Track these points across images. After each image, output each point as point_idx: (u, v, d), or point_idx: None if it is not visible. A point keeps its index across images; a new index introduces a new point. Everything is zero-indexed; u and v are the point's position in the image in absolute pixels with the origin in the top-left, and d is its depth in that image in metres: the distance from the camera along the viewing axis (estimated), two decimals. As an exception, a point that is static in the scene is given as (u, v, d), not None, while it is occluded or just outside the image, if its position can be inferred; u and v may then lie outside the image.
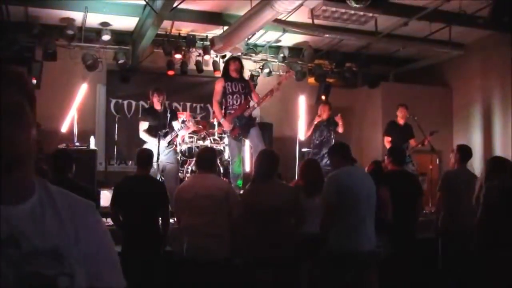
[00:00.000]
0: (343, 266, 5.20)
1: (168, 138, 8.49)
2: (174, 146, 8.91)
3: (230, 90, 8.32)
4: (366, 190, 5.33)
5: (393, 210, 6.14)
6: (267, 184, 5.17)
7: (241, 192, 6.68)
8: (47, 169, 5.72)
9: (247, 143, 8.58)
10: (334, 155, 5.75)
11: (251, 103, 8.44)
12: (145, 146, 8.30)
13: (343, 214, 5.19)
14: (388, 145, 9.92)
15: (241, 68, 8.54)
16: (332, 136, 9.86)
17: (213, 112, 10.66)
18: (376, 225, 5.37)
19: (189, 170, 9.29)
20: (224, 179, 8.98)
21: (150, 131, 8.52)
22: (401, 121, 10.25)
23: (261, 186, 5.16)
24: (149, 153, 6.10)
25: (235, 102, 8.31)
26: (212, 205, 5.21)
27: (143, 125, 8.63)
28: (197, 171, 5.59)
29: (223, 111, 8.39)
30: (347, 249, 5.15)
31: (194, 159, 6.75)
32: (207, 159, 5.57)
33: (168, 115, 8.51)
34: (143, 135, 8.61)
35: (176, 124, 8.68)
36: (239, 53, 11.30)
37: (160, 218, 5.76)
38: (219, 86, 8.37)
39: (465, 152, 7.09)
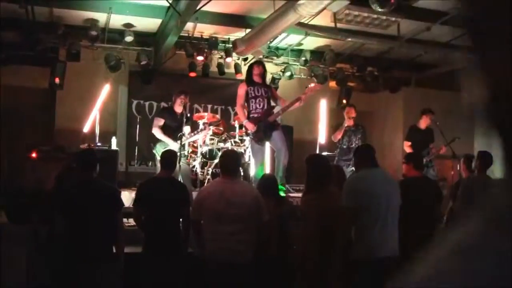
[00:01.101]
0: (359, 272, 5.10)
1: (184, 139, 8.56)
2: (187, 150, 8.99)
3: (253, 95, 8.34)
4: (385, 194, 5.19)
5: (411, 216, 6.05)
6: (325, 191, 5.16)
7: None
8: (76, 167, 5.77)
9: (267, 146, 8.57)
10: (356, 157, 5.81)
11: (276, 109, 8.45)
12: (157, 146, 8.42)
13: (362, 221, 5.11)
14: (408, 150, 9.88)
15: (264, 73, 8.57)
16: (359, 143, 9.79)
17: (234, 115, 10.70)
18: None
19: (210, 172, 9.31)
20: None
21: (164, 130, 8.61)
22: (423, 126, 10.18)
23: (323, 194, 5.13)
24: (174, 155, 6.13)
25: (258, 106, 8.34)
26: (245, 212, 5.15)
27: (159, 122, 8.72)
28: (223, 175, 5.49)
29: (246, 114, 8.42)
30: (368, 256, 5.06)
31: (219, 162, 6.69)
32: (234, 163, 5.51)
33: (184, 119, 8.60)
34: (155, 131, 8.70)
35: (186, 129, 8.76)
36: (261, 56, 11.30)
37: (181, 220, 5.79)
38: (241, 91, 8.41)
39: (486, 159, 7.01)
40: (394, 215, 5.22)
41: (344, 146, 9.90)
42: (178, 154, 8.50)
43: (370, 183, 5.25)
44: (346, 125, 9.90)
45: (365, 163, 5.42)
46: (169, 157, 6.01)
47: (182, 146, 8.68)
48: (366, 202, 5.07)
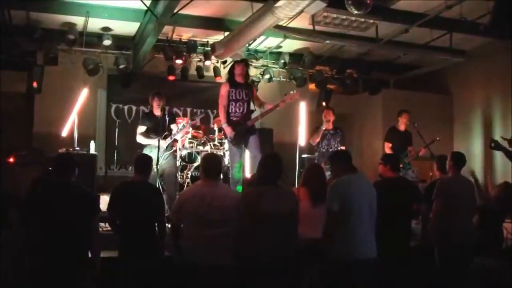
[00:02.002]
0: (342, 274, 5.18)
1: (168, 140, 8.52)
2: (173, 150, 8.92)
3: (234, 97, 8.27)
4: (367, 199, 5.36)
5: (389, 217, 6.14)
6: (270, 188, 5.13)
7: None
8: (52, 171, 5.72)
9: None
10: (335, 163, 5.77)
11: (254, 114, 8.42)
12: (145, 151, 8.34)
13: (344, 222, 5.19)
14: (388, 151, 9.94)
15: (246, 72, 8.46)
16: (338, 146, 9.79)
17: (214, 118, 10.67)
18: None
19: (189, 176, 9.27)
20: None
21: (148, 135, 8.57)
22: (402, 127, 10.24)
23: (265, 190, 5.10)
24: (147, 159, 6.08)
25: (237, 110, 8.27)
26: (226, 216, 5.11)
27: (141, 129, 8.68)
28: (204, 179, 5.45)
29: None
30: (347, 256, 5.17)
31: (200, 165, 6.65)
32: (215, 166, 5.49)
33: (167, 118, 8.54)
34: (139, 138, 8.67)
35: (174, 127, 8.71)
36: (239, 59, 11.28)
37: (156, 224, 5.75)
38: (224, 91, 8.32)
39: (459, 159, 7.05)
40: (373, 218, 5.39)
41: (323, 150, 9.84)
42: (168, 154, 8.57)
43: (354, 187, 5.37)
44: (324, 128, 9.86)
45: (347, 168, 5.51)
46: (144, 161, 5.97)
47: (169, 146, 8.69)
48: (350, 205, 5.20)
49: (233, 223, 5.08)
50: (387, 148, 10.13)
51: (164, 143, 8.46)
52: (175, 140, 8.93)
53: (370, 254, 5.27)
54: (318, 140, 9.87)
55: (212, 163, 5.53)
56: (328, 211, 5.27)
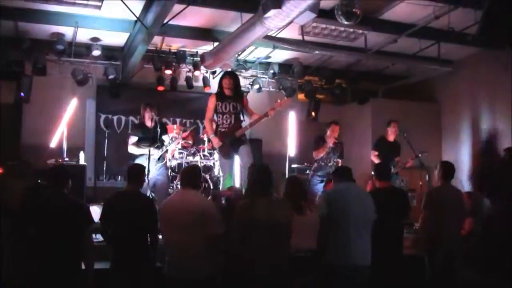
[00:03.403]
0: (334, 280, 5.29)
1: (160, 151, 8.53)
2: (164, 160, 8.91)
3: (220, 110, 8.25)
4: (361, 207, 5.52)
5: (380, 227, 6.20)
6: (264, 199, 5.13)
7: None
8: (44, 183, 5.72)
9: (237, 158, 8.52)
10: (336, 175, 6.07)
11: (243, 124, 8.40)
12: (137, 161, 8.30)
13: (335, 229, 5.35)
14: (375, 159, 9.98)
15: (234, 85, 8.32)
16: (336, 159, 9.79)
17: (203, 128, 10.65)
18: None
19: (178, 186, 9.25)
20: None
21: (139, 145, 8.57)
22: (391, 138, 10.29)
23: (258, 201, 5.10)
24: (140, 168, 6.05)
25: (224, 122, 8.25)
26: (190, 221, 5.11)
27: (132, 139, 8.67)
28: (181, 187, 5.57)
29: (214, 128, 8.36)
30: (339, 263, 5.30)
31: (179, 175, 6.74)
32: (189, 175, 5.55)
33: (158, 129, 8.55)
34: (131, 149, 8.66)
35: (166, 138, 8.72)
36: (229, 69, 11.28)
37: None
38: (211, 104, 8.32)
39: (447, 169, 7.08)
40: (368, 227, 5.53)
41: (322, 164, 9.80)
42: (160, 165, 8.56)
43: (346, 194, 5.59)
44: (331, 144, 9.80)
45: (345, 178, 5.81)
46: (136, 171, 5.94)
47: (161, 157, 8.70)
48: (342, 213, 5.40)
49: (200, 230, 5.10)
50: (373, 156, 10.16)
51: (157, 154, 8.47)
52: (166, 151, 8.92)
53: (362, 262, 5.40)
54: (320, 155, 9.82)
55: (186, 172, 5.67)
56: (321, 218, 5.46)
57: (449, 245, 6.68)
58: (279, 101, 8.30)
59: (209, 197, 7.43)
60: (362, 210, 5.50)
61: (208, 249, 5.14)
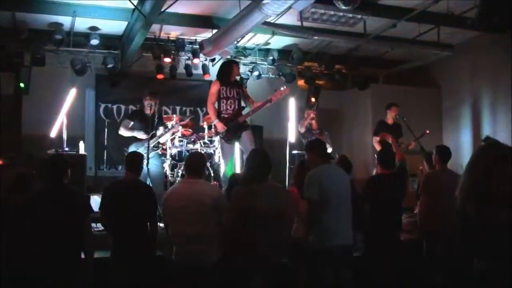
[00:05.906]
0: (322, 262, 5.34)
1: (152, 141, 8.54)
2: (160, 149, 8.94)
3: (225, 95, 8.35)
4: (344, 188, 5.57)
5: (378, 212, 6.23)
6: (262, 185, 5.12)
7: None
8: (35, 174, 5.70)
9: (237, 145, 8.54)
10: (311, 152, 5.88)
11: (245, 110, 8.46)
12: (130, 148, 8.37)
13: (325, 211, 5.34)
14: (377, 145, 9.98)
15: (239, 73, 8.57)
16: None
17: (203, 116, 10.65)
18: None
19: (179, 174, 9.25)
20: (215, 183, 8.99)
21: (132, 129, 8.61)
22: (390, 121, 10.31)
23: (257, 188, 5.10)
24: (137, 156, 6.05)
25: (228, 107, 8.36)
26: (203, 212, 5.11)
27: (126, 123, 8.75)
28: (186, 176, 5.49)
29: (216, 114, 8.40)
30: (328, 245, 5.34)
31: (183, 163, 6.68)
32: (196, 164, 5.47)
33: (156, 119, 8.58)
34: (121, 131, 8.73)
35: (161, 129, 8.75)
36: (228, 56, 11.26)
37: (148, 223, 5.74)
38: (214, 89, 8.40)
39: (443, 153, 7.07)
40: (349, 207, 5.57)
41: None
42: (153, 154, 8.57)
43: (329, 176, 5.55)
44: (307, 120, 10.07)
45: (322, 158, 5.73)
46: (134, 159, 5.94)
47: (155, 147, 8.70)
48: (327, 194, 5.36)
49: (209, 220, 5.12)
50: (375, 142, 10.16)
51: (151, 142, 8.49)
52: (159, 142, 8.94)
53: (348, 241, 5.49)
54: (304, 129, 10.02)
55: (193, 161, 5.54)
56: (309, 201, 5.41)
57: (447, 230, 6.66)
58: (281, 88, 8.41)
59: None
60: (345, 192, 5.56)
61: (219, 237, 5.18)
